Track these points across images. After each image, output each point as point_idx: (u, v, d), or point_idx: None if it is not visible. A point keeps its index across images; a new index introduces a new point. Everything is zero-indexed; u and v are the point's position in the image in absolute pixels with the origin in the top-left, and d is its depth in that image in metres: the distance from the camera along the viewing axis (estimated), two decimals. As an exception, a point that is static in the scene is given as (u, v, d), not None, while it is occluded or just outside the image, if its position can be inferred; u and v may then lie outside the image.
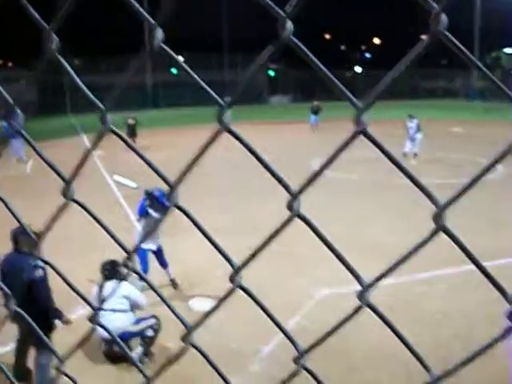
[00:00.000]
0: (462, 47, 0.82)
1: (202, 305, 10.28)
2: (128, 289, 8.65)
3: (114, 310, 8.41)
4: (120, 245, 1.10)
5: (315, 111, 40.16)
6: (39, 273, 7.39)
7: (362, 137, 0.95)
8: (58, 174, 1.12)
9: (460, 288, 10.90)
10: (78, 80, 1.06)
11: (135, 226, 11.40)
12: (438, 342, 8.50)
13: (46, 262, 1.36)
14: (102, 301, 7.95)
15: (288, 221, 0.95)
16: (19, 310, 1.40)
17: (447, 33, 0.83)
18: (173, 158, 25.11)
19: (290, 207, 0.94)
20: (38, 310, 7.42)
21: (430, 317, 9.77)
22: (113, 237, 1.11)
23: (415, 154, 24.56)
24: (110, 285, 8.50)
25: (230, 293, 1.04)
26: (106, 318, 8.24)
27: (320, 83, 68.69)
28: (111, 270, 8.70)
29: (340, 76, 76.60)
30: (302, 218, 0.95)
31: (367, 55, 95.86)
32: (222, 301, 1.06)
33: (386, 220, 15.86)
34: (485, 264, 0.94)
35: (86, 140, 34.41)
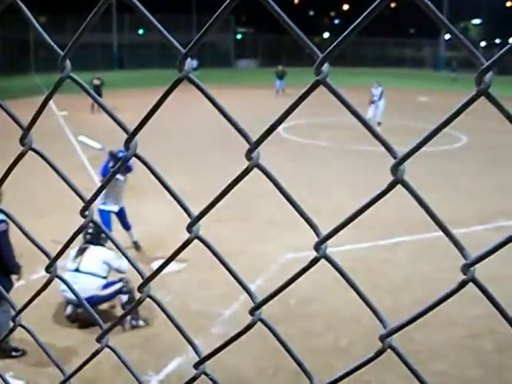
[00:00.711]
0: (431, 5, 0.82)
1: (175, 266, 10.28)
2: (109, 254, 8.69)
3: (91, 274, 8.43)
4: (77, 193, 1.09)
5: (280, 76, 39.65)
6: (2, 227, 7.36)
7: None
8: (16, 121, 1.09)
9: (422, 255, 11.07)
10: (37, 26, 1.03)
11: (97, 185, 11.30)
12: (398, 308, 8.62)
13: (7, 215, 1.34)
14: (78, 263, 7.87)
15: (247, 171, 0.94)
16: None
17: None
18: (139, 119, 24.91)
19: (248, 158, 0.93)
20: None
21: (391, 283, 9.91)
22: (70, 185, 1.10)
23: (379, 123, 24.32)
24: (91, 249, 8.61)
25: (187, 243, 1.04)
26: (77, 279, 8.29)
27: (287, 48, 68.54)
28: (94, 234, 8.73)
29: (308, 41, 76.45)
30: (261, 168, 0.95)
31: (336, 21, 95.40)
32: (179, 251, 1.05)
33: (352, 184, 16.00)
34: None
35: (51, 101, 33.83)
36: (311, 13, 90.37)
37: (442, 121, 0.87)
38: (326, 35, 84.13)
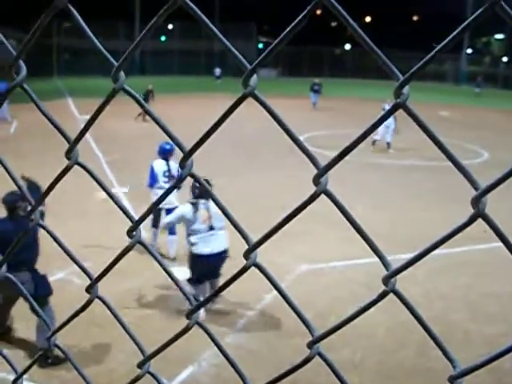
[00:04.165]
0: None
1: (181, 274, 10.23)
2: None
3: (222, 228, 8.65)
4: (126, 213, 1.05)
5: (316, 90, 37.80)
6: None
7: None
8: (63, 134, 1.06)
9: (440, 271, 10.96)
10: (90, 33, 1.00)
11: (118, 193, 11.33)
12: (415, 324, 8.53)
13: (42, 226, 1.30)
14: (209, 222, 7.86)
15: (314, 197, 0.90)
16: (11, 276, 1.35)
17: (504, 4, 0.80)
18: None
19: (316, 182, 0.89)
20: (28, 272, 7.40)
21: (409, 299, 9.81)
22: (118, 205, 1.06)
23: (388, 144, 23.10)
24: (209, 203, 8.71)
25: (244, 270, 1.00)
26: (216, 236, 8.54)
27: (308, 59, 68.44)
28: (201, 188, 8.78)
29: (329, 52, 76.04)
30: (328, 194, 0.91)
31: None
32: (236, 277, 1.02)
33: (371, 197, 15.96)
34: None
35: (71, 104, 34.07)
36: (333, 24, 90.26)
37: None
38: (348, 47, 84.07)
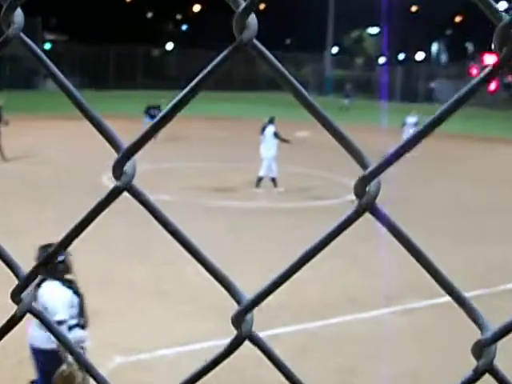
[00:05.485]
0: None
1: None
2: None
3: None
4: None
5: (154, 115, 37.31)
6: None
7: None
8: None
9: (305, 350, 11.23)
10: None
11: None
12: None
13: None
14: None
15: (238, 344, 1.03)
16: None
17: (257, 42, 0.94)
18: None
19: (237, 325, 1.02)
20: None
21: None
22: None
23: (273, 179, 23.98)
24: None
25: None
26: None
27: (116, 62, 67.07)
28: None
29: (145, 55, 73.61)
30: (255, 340, 1.03)
31: (184, 27, 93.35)
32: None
33: (207, 253, 16.11)
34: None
35: None
36: (149, 15, 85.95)
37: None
38: (170, 46, 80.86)
